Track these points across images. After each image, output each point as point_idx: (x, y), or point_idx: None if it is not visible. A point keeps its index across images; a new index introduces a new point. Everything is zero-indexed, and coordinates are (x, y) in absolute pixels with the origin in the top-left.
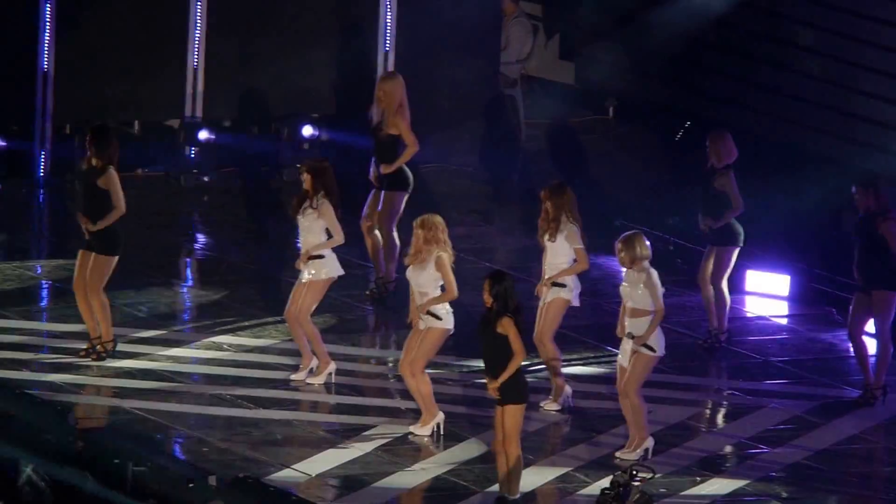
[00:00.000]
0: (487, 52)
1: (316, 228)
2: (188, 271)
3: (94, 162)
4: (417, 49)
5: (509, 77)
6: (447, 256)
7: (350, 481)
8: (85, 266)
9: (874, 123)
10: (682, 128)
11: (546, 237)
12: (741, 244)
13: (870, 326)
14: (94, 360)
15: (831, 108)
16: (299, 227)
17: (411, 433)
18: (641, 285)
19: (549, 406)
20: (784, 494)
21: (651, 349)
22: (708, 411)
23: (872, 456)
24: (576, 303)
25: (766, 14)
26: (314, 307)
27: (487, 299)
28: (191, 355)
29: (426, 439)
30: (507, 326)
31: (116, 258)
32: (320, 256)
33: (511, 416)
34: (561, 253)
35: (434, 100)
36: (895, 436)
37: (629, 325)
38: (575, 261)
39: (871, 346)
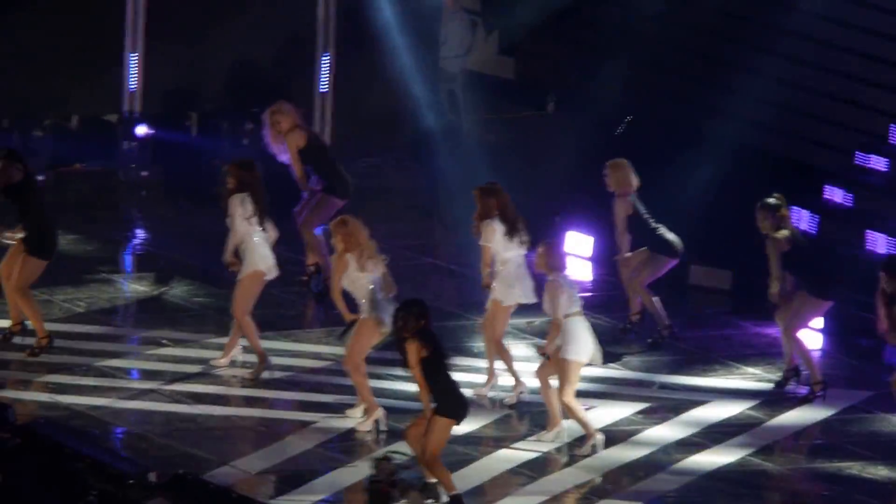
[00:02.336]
0: (428, 46)
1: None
2: (127, 266)
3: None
4: (357, 42)
5: (449, 72)
6: (348, 258)
7: (290, 477)
8: (15, 257)
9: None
10: (623, 122)
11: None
12: (676, 256)
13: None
14: (28, 355)
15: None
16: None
17: (353, 429)
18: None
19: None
20: (731, 490)
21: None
22: (653, 407)
23: (816, 451)
24: (508, 302)
25: (707, 9)
26: (251, 303)
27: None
28: (129, 350)
29: (366, 435)
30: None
31: (46, 262)
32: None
33: (439, 429)
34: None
35: (374, 94)
36: (837, 431)
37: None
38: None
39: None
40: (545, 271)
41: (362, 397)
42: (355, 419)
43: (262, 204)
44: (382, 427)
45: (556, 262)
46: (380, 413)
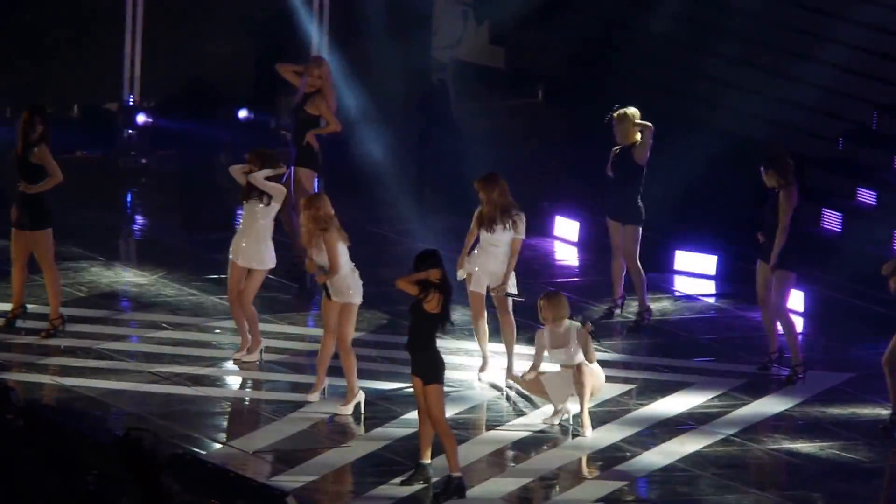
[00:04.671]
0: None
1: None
2: (127, 252)
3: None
4: (351, 31)
5: (440, 61)
6: (333, 234)
7: (286, 457)
8: (19, 242)
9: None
10: (612, 111)
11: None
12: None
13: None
14: (42, 337)
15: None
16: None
17: (335, 413)
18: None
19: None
20: (714, 470)
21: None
22: (638, 388)
23: (798, 432)
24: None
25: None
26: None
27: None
28: (129, 333)
29: (349, 417)
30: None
31: (50, 230)
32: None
33: (434, 396)
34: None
35: (367, 83)
36: (817, 412)
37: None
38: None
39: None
40: (550, 322)
41: (349, 381)
42: (314, 400)
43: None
44: (362, 411)
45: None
46: (361, 396)
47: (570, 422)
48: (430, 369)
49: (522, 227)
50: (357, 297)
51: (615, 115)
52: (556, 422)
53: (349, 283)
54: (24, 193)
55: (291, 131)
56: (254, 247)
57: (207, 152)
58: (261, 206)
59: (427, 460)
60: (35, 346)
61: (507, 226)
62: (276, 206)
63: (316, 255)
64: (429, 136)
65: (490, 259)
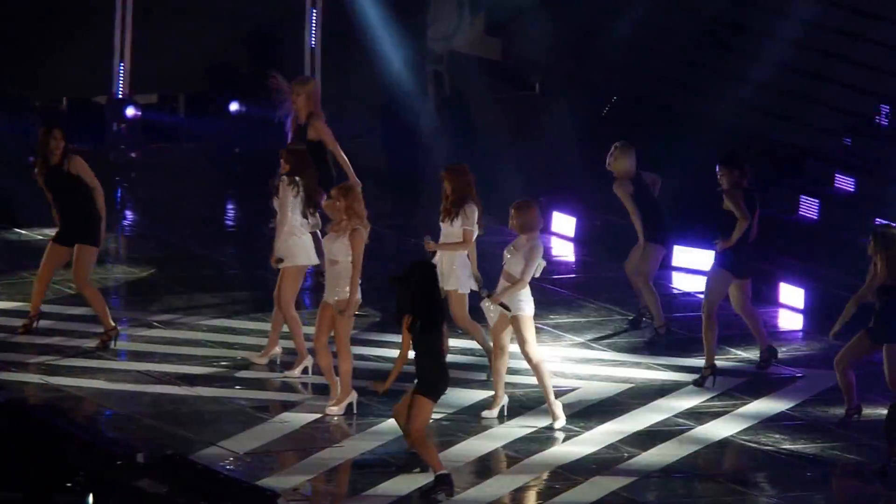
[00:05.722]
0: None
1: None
2: (117, 248)
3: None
4: (344, 24)
5: (436, 53)
6: (364, 231)
7: (277, 458)
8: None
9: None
10: (609, 103)
11: (444, 219)
12: (661, 243)
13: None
14: (99, 346)
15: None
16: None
17: (326, 413)
18: (521, 253)
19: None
20: (713, 471)
21: (506, 308)
22: (637, 388)
23: (800, 431)
24: (463, 290)
25: None
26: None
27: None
28: (119, 332)
29: (340, 418)
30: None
31: (96, 249)
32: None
33: (422, 406)
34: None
35: (360, 75)
36: (819, 412)
37: (499, 286)
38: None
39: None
40: (518, 231)
41: (343, 382)
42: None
43: (313, 192)
44: (355, 411)
45: (533, 222)
46: (354, 396)
47: (505, 412)
48: (427, 381)
49: (473, 217)
50: (356, 296)
51: (617, 147)
52: (494, 414)
53: (343, 279)
54: (71, 209)
55: None
56: (283, 244)
57: (199, 146)
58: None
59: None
60: (23, 344)
61: (460, 217)
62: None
63: (328, 244)
64: (422, 128)
65: (445, 254)
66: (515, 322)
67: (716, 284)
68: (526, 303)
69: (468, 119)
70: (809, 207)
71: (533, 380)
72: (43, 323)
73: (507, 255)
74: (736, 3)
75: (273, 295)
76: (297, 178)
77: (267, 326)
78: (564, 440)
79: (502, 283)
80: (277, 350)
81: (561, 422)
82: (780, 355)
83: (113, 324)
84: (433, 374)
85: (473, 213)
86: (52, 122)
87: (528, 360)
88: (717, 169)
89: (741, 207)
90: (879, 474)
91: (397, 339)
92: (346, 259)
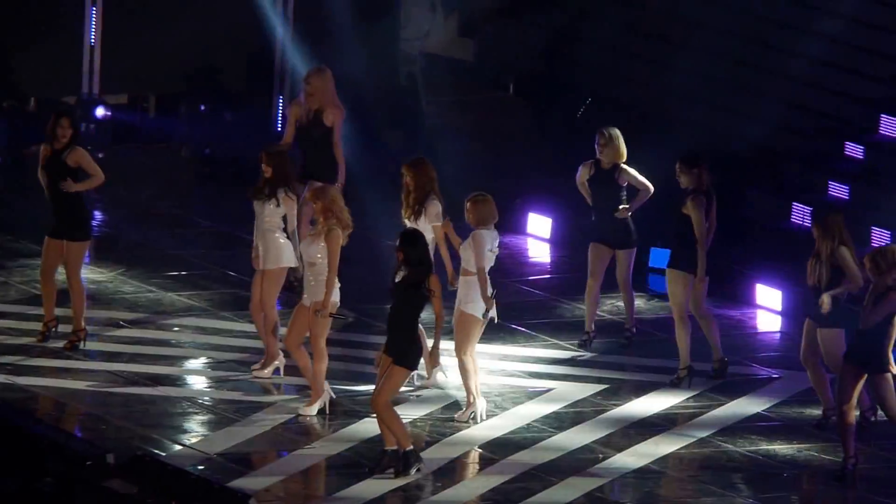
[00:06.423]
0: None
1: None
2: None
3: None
4: (317, 24)
5: (409, 54)
6: (340, 232)
7: (249, 459)
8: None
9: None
10: (583, 105)
11: (407, 215)
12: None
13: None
14: (66, 348)
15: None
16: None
17: (299, 414)
18: (470, 247)
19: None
20: (689, 472)
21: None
22: (613, 388)
23: (777, 432)
24: None
25: None
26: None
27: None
28: (87, 332)
29: (313, 418)
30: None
31: (88, 242)
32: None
33: (397, 376)
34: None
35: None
36: (795, 414)
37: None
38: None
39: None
40: (474, 225)
41: (317, 382)
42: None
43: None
44: (327, 412)
45: (483, 216)
46: (326, 397)
47: (484, 416)
48: (405, 352)
49: (435, 213)
50: (332, 297)
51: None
52: (466, 419)
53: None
54: (61, 202)
55: (306, 145)
56: (263, 248)
57: (169, 147)
58: (271, 206)
59: (393, 447)
60: None
61: (424, 214)
62: (283, 210)
63: (305, 246)
64: (395, 130)
65: None
66: (459, 317)
67: (675, 286)
68: (476, 303)
69: (441, 120)
70: (803, 215)
71: (508, 380)
72: (7, 322)
73: (462, 253)
74: (707, 3)
75: (254, 301)
76: (282, 190)
77: (237, 326)
78: (539, 441)
79: (461, 280)
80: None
81: (475, 413)
82: (758, 356)
83: (84, 325)
84: (417, 345)
85: (436, 208)
86: (63, 110)
87: (458, 356)
88: (677, 167)
89: (701, 215)
90: (836, 478)
91: (377, 339)
92: (324, 261)
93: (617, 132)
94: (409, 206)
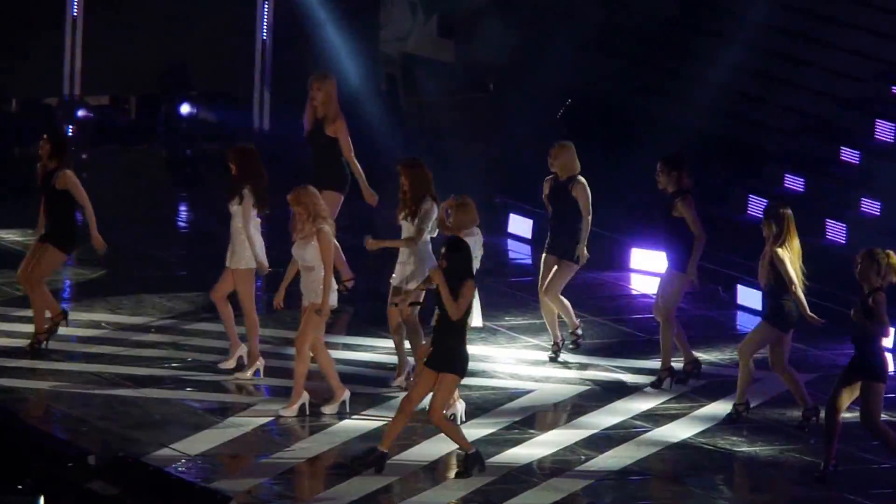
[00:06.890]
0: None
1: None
2: None
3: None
4: (297, 26)
5: (390, 55)
6: (330, 229)
7: (229, 460)
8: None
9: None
10: (564, 105)
11: (403, 216)
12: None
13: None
14: (27, 348)
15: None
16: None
17: (278, 415)
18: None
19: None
20: (671, 474)
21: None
22: (594, 390)
23: (758, 433)
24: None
25: None
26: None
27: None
28: (69, 334)
29: (293, 420)
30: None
31: (65, 256)
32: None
33: (447, 385)
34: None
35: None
36: (777, 415)
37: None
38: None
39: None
40: (455, 230)
41: (297, 384)
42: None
43: (263, 193)
44: (307, 413)
45: (465, 222)
46: (306, 398)
47: (464, 418)
48: (451, 359)
49: (429, 218)
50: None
51: (557, 145)
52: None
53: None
54: (52, 216)
55: (313, 152)
56: (231, 247)
57: (149, 147)
58: (235, 206)
59: (387, 449)
60: None
61: (418, 217)
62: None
63: (297, 250)
64: (377, 130)
65: (403, 250)
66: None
67: (673, 287)
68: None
69: (422, 121)
70: (759, 207)
71: (489, 381)
72: None
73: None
74: (690, 3)
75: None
76: (245, 189)
77: (218, 328)
78: (520, 443)
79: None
80: (243, 349)
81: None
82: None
83: (45, 328)
84: (461, 351)
85: (432, 212)
86: (51, 129)
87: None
88: (658, 167)
89: (695, 214)
90: (816, 479)
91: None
92: (321, 263)
93: (567, 144)
94: (406, 206)
